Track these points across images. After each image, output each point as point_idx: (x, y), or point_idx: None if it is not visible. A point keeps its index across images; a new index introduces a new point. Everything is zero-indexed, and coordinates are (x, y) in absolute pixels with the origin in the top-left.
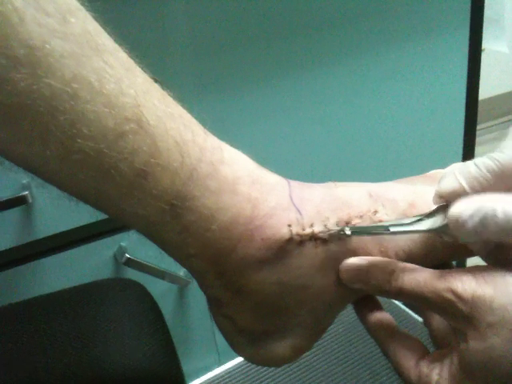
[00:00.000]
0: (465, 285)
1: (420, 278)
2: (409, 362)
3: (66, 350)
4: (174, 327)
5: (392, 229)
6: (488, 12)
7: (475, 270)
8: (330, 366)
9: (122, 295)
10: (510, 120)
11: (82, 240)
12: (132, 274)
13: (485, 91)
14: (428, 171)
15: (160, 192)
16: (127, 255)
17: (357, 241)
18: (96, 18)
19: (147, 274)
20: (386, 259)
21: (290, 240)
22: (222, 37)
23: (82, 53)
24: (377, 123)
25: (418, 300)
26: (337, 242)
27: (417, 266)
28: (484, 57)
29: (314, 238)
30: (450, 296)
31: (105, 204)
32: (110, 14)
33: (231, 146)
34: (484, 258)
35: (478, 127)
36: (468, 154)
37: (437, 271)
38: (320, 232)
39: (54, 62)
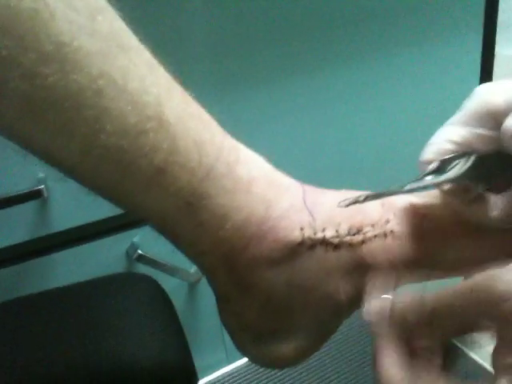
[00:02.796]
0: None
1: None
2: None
3: (81, 340)
4: (183, 324)
5: (408, 187)
6: (502, 16)
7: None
8: (339, 365)
9: (135, 289)
10: None
11: (95, 235)
12: (143, 269)
13: None
14: None
15: (177, 189)
16: (139, 251)
17: (366, 249)
18: (122, 18)
19: (158, 270)
20: (414, 304)
21: (302, 243)
22: (237, 37)
23: (108, 50)
24: (388, 127)
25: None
26: (347, 248)
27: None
28: (496, 61)
29: (325, 242)
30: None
31: (122, 198)
32: (124, 14)
33: (246, 146)
34: None
35: None
36: None
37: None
38: (332, 237)
39: (82, 58)
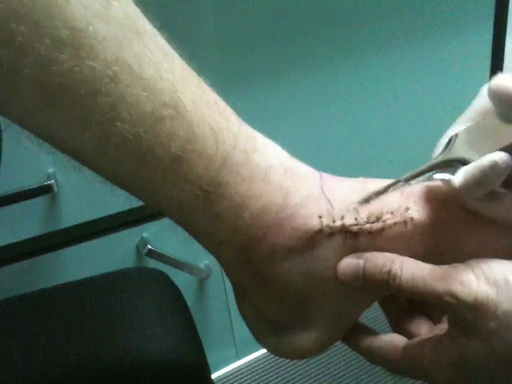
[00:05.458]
0: (465, 288)
1: (419, 278)
2: (395, 353)
3: (93, 335)
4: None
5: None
6: None
7: (476, 267)
8: (349, 360)
9: (146, 283)
10: None
11: (105, 230)
12: (153, 264)
13: None
14: None
15: (194, 177)
16: (149, 246)
17: (386, 237)
18: (136, 4)
19: (168, 266)
20: (382, 255)
21: (320, 231)
22: (245, 34)
23: (123, 36)
24: (397, 122)
25: (419, 299)
26: (366, 236)
27: (416, 262)
28: (507, 55)
29: (344, 230)
30: (450, 300)
31: (139, 188)
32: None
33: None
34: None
35: None
36: None
37: (437, 269)
38: (350, 225)
39: (97, 44)
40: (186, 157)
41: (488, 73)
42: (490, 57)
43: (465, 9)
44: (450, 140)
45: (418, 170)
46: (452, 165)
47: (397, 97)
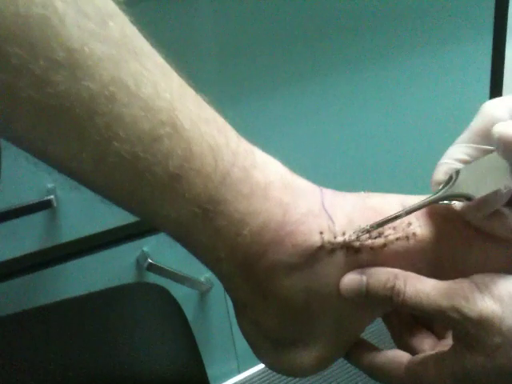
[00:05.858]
0: (470, 304)
1: (422, 294)
2: (399, 369)
3: (94, 350)
4: (193, 333)
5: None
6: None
7: (481, 282)
8: (351, 374)
9: (147, 299)
10: None
11: (105, 245)
12: (153, 278)
13: None
14: None
15: (193, 196)
16: (150, 260)
17: (388, 252)
18: (133, 23)
19: (169, 279)
20: (385, 271)
21: (321, 248)
22: (245, 44)
23: (119, 56)
24: (398, 132)
25: (423, 315)
26: (368, 251)
27: (420, 278)
28: (507, 64)
29: (345, 246)
30: (455, 315)
31: (137, 206)
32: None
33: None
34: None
35: None
36: None
37: (440, 284)
38: (352, 241)
39: (93, 64)
40: (184, 175)
41: (488, 83)
42: (490, 67)
43: (464, 19)
44: (451, 176)
45: (421, 203)
46: (455, 199)
47: (397, 107)
